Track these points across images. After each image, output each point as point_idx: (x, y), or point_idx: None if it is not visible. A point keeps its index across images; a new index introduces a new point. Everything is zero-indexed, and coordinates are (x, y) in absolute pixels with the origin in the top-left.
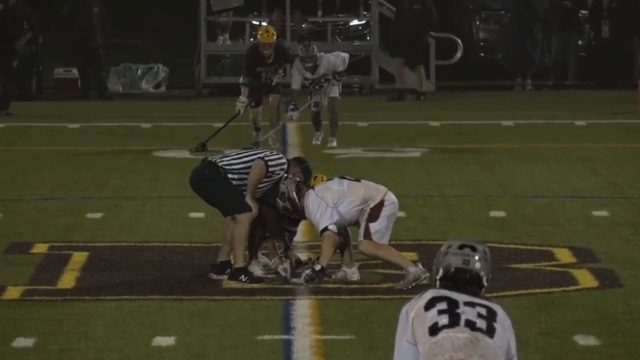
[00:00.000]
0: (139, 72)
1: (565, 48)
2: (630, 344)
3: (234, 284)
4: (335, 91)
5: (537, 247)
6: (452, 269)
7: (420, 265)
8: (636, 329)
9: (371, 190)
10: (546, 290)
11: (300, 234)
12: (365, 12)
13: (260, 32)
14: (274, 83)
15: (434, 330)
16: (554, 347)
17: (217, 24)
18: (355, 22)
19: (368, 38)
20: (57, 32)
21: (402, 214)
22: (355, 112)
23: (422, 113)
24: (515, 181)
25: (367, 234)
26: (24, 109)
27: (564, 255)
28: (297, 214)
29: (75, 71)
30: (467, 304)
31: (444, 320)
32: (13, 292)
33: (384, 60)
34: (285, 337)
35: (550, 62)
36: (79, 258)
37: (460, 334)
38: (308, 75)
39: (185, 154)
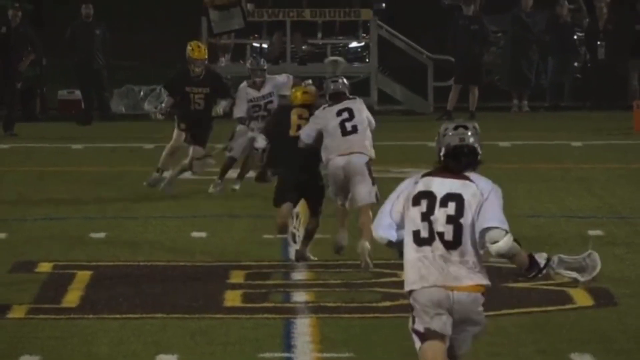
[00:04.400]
0: (142, 93)
1: (562, 69)
2: None
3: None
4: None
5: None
6: (452, 147)
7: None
8: (631, 347)
9: None
10: (543, 308)
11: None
12: (364, 35)
13: (190, 48)
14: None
15: (416, 239)
16: None
17: (219, 46)
18: (354, 44)
19: (367, 60)
20: (61, 54)
21: None
22: None
23: (421, 134)
24: (512, 201)
25: None
26: (28, 130)
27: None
28: None
29: (78, 93)
30: (442, 202)
31: (424, 232)
32: (18, 311)
33: (382, 82)
34: (286, 355)
35: (546, 83)
36: (82, 277)
37: (430, 252)
38: (252, 94)
39: (186, 174)
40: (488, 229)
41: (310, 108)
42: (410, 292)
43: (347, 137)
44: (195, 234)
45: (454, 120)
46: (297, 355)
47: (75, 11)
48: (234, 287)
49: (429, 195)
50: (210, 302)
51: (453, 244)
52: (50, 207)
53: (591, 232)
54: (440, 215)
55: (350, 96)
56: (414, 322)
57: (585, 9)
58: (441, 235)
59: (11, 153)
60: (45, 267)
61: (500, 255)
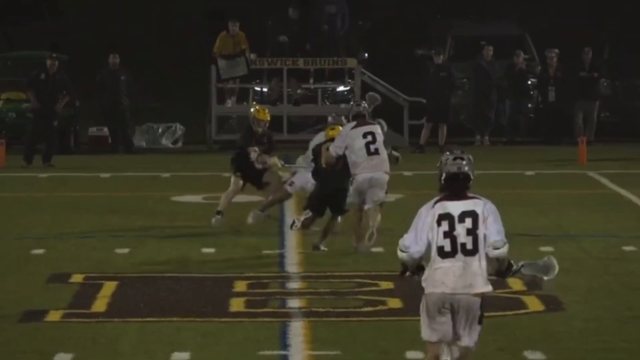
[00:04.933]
0: (160, 130)
1: (517, 110)
2: (571, 359)
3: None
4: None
5: (492, 277)
6: (451, 173)
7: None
8: (576, 346)
9: None
10: (500, 313)
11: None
12: (350, 80)
13: (256, 110)
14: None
15: (441, 253)
16: None
17: (226, 89)
18: (341, 88)
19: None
20: (92, 96)
21: (380, 249)
22: None
23: (398, 166)
24: None
25: None
26: (64, 162)
27: (516, 284)
28: None
29: (106, 130)
30: (460, 218)
31: (447, 247)
32: (54, 315)
33: None
34: (283, 352)
35: (504, 122)
36: (109, 286)
37: (453, 263)
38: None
39: (198, 198)
40: (494, 240)
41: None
42: (428, 294)
43: (371, 157)
44: (204, 250)
45: (453, 152)
46: (292, 353)
47: (104, 59)
48: (238, 295)
49: (447, 216)
50: (218, 307)
51: (472, 252)
52: (81, 227)
53: (542, 249)
54: (460, 228)
55: (371, 120)
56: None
57: (537, 59)
58: (463, 246)
59: (49, 181)
60: (77, 278)
61: (498, 257)
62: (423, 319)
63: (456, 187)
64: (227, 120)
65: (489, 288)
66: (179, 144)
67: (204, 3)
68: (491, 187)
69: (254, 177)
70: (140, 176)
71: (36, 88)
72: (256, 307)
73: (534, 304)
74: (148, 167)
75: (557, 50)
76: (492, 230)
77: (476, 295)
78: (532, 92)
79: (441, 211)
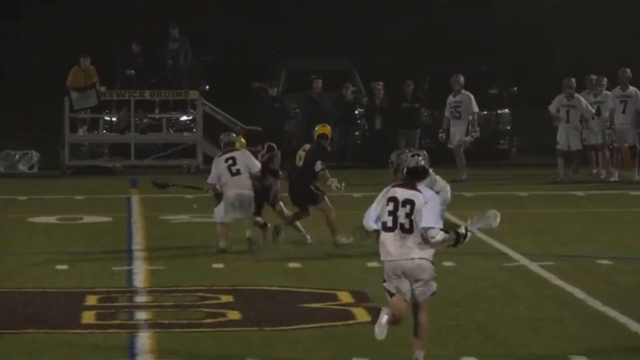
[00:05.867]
0: (17, 156)
1: (345, 137)
2: None
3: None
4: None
5: (324, 291)
6: (411, 167)
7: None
8: (399, 352)
9: None
10: (331, 323)
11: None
12: (192, 110)
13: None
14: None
15: (385, 227)
16: None
17: (78, 119)
18: (184, 117)
19: (194, 130)
20: None
21: (220, 265)
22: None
23: None
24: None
25: None
26: None
27: (345, 297)
28: None
29: None
30: (403, 204)
31: (389, 223)
32: None
33: (206, 147)
34: None
35: (332, 147)
36: None
37: (393, 236)
38: None
39: (52, 219)
40: (428, 228)
41: None
42: (382, 262)
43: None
44: (58, 267)
45: (411, 150)
46: None
47: None
48: (89, 308)
49: (395, 199)
50: (70, 320)
51: (409, 231)
52: None
53: (369, 264)
54: (401, 211)
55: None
56: (384, 281)
57: (364, 91)
58: (402, 225)
59: None
60: None
61: (438, 243)
62: None
63: (416, 178)
64: (80, 147)
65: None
66: (35, 169)
67: (57, 40)
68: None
69: None
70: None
71: None
72: (106, 319)
73: (361, 315)
74: (6, 190)
75: (382, 83)
76: (426, 218)
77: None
78: (359, 121)
79: (391, 194)
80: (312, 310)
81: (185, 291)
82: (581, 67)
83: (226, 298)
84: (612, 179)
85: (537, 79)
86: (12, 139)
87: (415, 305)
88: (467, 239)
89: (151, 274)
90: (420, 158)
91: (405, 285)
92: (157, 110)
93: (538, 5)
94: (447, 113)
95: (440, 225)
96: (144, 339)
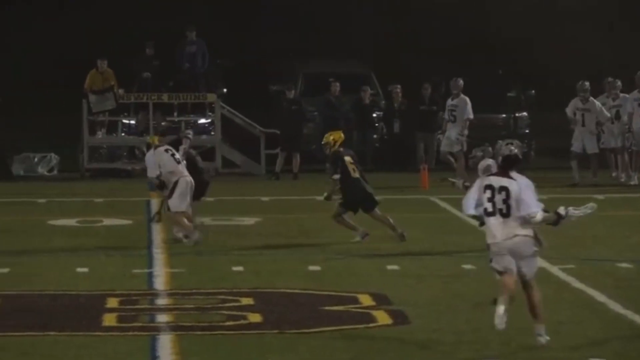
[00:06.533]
0: (36, 159)
1: (363, 141)
2: None
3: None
4: None
5: (344, 294)
6: (505, 155)
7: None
8: (421, 355)
9: None
10: (352, 326)
11: None
12: (210, 113)
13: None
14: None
15: (486, 213)
16: None
17: (96, 122)
18: (202, 120)
19: (212, 133)
20: None
21: (240, 268)
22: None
23: (256, 191)
24: (327, 242)
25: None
26: None
27: (366, 300)
28: None
29: None
30: (499, 191)
31: (490, 208)
32: None
33: (225, 150)
34: None
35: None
36: None
37: (495, 220)
38: None
39: (72, 222)
40: (528, 210)
41: None
42: (488, 244)
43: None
44: (79, 269)
45: (505, 139)
46: None
47: None
48: (110, 310)
49: (491, 187)
50: (92, 322)
51: (507, 215)
52: None
53: (389, 267)
54: (498, 197)
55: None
56: (491, 262)
57: (381, 94)
58: (500, 210)
59: None
60: None
61: (538, 223)
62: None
63: (510, 167)
64: (98, 150)
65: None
66: (54, 172)
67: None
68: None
69: None
70: (18, 201)
71: None
72: (127, 322)
73: (382, 317)
74: (25, 193)
75: (399, 86)
76: (525, 203)
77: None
78: (377, 124)
79: (487, 182)
80: (332, 313)
81: (206, 294)
82: (597, 70)
83: (246, 301)
84: (632, 182)
85: (553, 82)
86: (31, 142)
87: (525, 285)
88: (567, 219)
89: (171, 277)
90: (514, 147)
91: (511, 262)
92: (175, 113)
93: (552, 8)
94: (445, 116)
95: (540, 207)
96: (165, 342)
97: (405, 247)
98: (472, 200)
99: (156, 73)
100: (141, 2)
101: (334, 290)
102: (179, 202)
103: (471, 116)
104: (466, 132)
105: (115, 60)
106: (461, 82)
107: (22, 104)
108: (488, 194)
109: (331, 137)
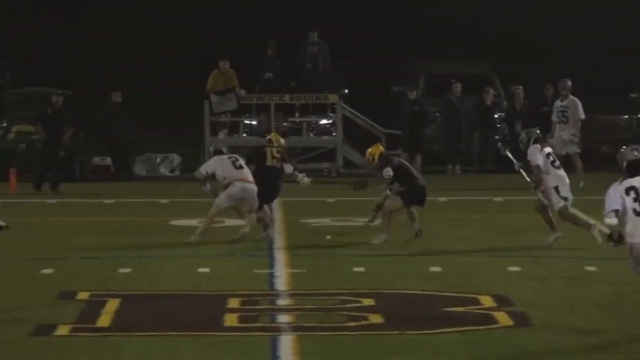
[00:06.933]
0: (158, 160)
1: (486, 141)
2: None
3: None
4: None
5: (465, 295)
6: (630, 160)
7: None
8: (544, 357)
9: None
10: (473, 328)
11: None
12: (332, 114)
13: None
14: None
15: (635, 212)
16: None
17: (218, 122)
18: (324, 121)
19: (334, 134)
20: (95, 129)
21: (361, 269)
22: (325, 191)
23: (379, 192)
24: (449, 243)
25: None
26: (70, 189)
27: (487, 301)
28: None
29: (109, 159)
30: None
31: (637, 207)
32: (63, 329)
33: (346, 151)
34: None
35: (474, 152)
36: (113, 303)
37: None
38: None
39: (194, 222)
40: None
41: None
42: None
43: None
44: (200, 270)
45: (629, 145)
46: None
47: (105, 95)
48: (232, 311)
49: (634, 188)
50: (213, 322)
51: None
52: (87, 249)
53: (510, 268)
54: None
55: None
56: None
57: (503, 95)
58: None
59: (57, 206)
60: (84, 295)
61: None
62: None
63: (636, 170)
64: (220, 151)
65: None
66: (176, 173)
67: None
68: (463, 212)
69: None
70: (141, 202)
71: (43, 121)
72: (248, 322)
73: (504, 319)
74: (147, 193)
75: (521, 87)
76: None
77: None
78: (499, 125)
79: (628, 185)
80: (453, 314)
81: (327, 294)
82: None
83: (367, 301)
84: None
85: None
86: (153, 142)
87: None
88: None
89: (292, 277)
90: (637, 153)
91: None
92: (297, 114)
93: None
94: (554, 117)
95: None
96: (286, 342)
97: (528, 248)
98: (613, 200)
99: (278, 74)
100: (261, 3)
101: (455, 291)
102: (225, 200)
103: (583, 116)
104: (579, 133)
105: (235, 61)
106: (569, 83)
107: (144, 104)
108: (632, 194)
109: (369, 152)
